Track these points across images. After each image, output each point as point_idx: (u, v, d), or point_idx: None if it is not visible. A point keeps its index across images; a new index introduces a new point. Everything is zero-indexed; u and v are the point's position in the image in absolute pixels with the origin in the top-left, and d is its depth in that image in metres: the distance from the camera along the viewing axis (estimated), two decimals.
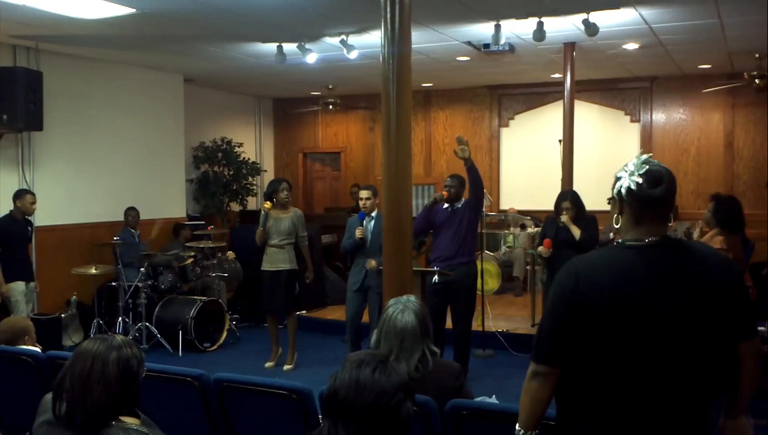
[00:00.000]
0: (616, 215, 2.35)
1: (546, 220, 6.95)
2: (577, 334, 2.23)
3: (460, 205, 6.47)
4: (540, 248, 6.48)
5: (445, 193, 6.44)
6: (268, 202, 7.14)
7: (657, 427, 2.22)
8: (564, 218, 6.35)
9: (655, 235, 2.26)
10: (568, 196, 6.64)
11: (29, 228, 7.64)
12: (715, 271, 2.26)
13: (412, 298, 3.29)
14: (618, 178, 2.32)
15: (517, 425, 2.39)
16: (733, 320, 2.26)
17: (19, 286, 7.34)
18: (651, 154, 2.34)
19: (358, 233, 6.78)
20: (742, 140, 10.80)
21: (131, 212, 9.03)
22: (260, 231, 7.14)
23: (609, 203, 2.43)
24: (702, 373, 2.24)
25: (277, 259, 7.17)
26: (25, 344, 4.65)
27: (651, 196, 2.24)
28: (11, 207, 7.51)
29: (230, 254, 9.68)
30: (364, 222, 6.89)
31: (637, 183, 2.25)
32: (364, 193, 7.01)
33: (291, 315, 7.37)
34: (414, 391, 2.04)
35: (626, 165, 2.32)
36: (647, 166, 2.26)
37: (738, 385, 2.37)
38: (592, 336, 2.21)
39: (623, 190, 2.28)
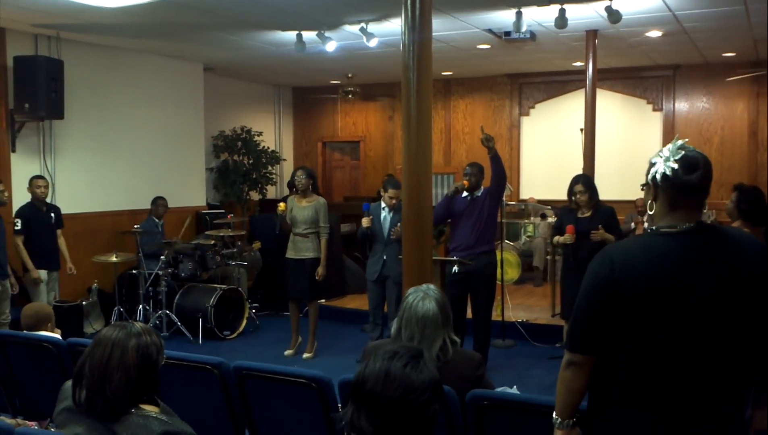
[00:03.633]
0: (650, 201, 2.31)
1: (561, 211, 6.83)
2: (612, 322, 2.20)
3: (479, 194, 6.43)
4: (565, 236, 6.38)
5: (465, 182, 6.39)
6: (282, 204, 7.19)
7: (692, 415, 2.19)
8: (599, 234, 6.20)
9: (689, 221, 2.23)
10: (581, 180, 6.53)
11: (52, 215, 7.67)
12: (751, 256, 2.22)
13: (432, 286, 3.27)
14: (653, 164, 2.29)
15: (554, 414, 2.38)
16: None
17: (41, 275, 7.39)
18: (687, 140, 2.29)
19: (364, 223, 6.80)
20: (766, 130, 10.64)
21: (161, 202, 9.03)
22: (285, 224, 7.18)
23: (642, 190, 2.39)
24: (739, 360, 2.20)
25: (301, 248, 7.17)
26: (46, 330, 4.70)
27: (687, 182, 2.21)
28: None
29: (256, 244, 9.70)
30: (383, 213, 6.88)
31: (673, 169, 2.21)
32: (394, 192, 6.87)
33: (313, 303, 7.37)
34: (443, 390, 2.01)
35: (661, 151, 2.28)
36: (683, 152, 2.23)
37: None
38: (627, 324, 2.18)
39: (658, 176, 2.25)
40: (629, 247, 2.30)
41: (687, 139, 2.30)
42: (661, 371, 2.18)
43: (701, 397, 2.19)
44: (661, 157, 2.26)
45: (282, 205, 7.21)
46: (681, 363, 2.17)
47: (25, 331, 4.70)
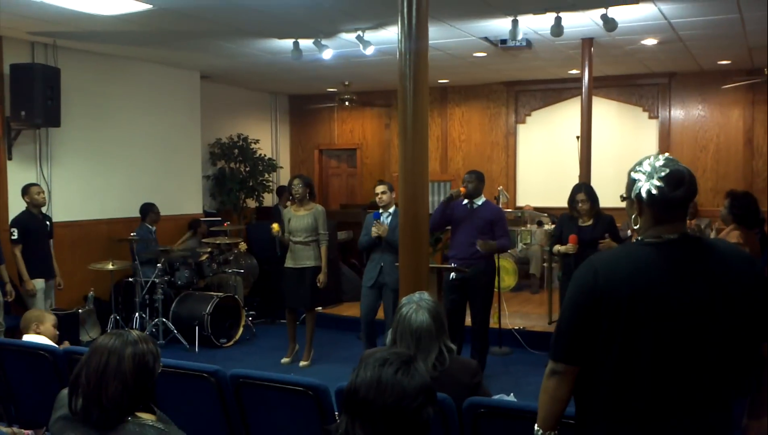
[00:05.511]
0: (634, 216, 2.31)
1: (561, 218, 6.81)
2: (595, 331, 2.20)
3: (480, 204, 6.42)
4: (568, 245, 6.37)
5: (462, 189, 6.39)
6: (276, 225, 7.19)
7: (677, 426, 2.18)
8: (606, 243, 6.17)
9: (674, 232, 2.23)
10: (583, 189, 6.53)
11: (47, 223, 7.67)
12: (736, 268, 2.21)
13: (425, 295, 3.25)
14: (635, 181, 2.26)
15: (536, 425, 2.36)
16: (757, 319, 2.21)
17: (38, 284, 7.38)
18: (668, 154, 2.29)
19: (374, 231, 6.74)
20: (761, 137, 10.68)
21: (155, 209, 9.02)
22: (283, 239, 7.19)
23: (622, 201, 2.38)
24: (723, 371, 2.19)
25: (301, 256, 7.15)
26: (35, 331, 4.70)
27: (673, 198, 2.20)
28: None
29: (242, 245, 9.66)
30: (381, 218, 6.87)
31: (658, 187, 2.20)
32: (379, 188, 6.96)
33: (311, 311, 7.36)
34: (436, 394, 2.01)
35: (641, 165, 2.27)
36: (667, 169, 2.21)
37: (762, 386, 2.32)
38: (610, 333, 2.18)
39: (643, 193, 2.23)
40: (613, 256, 2.31)
41: (667, 154, 2.30)
42: (644, 381, 2.17)
43: (686, 408, 2.18)
44: (643, 173, 2.24)
45: (275, 225, 7.20)
46: (664, 372, 2.16)
47: (22, 339, 4.70)
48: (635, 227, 2.33)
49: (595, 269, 2.23)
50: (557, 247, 6.55)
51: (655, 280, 2.18)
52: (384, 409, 1.87)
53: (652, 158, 2.26)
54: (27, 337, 4.77)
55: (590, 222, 6.40)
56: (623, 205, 2.40)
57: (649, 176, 2.22)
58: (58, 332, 4.96)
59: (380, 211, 6.94)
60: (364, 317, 6.92)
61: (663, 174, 2.21)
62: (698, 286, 2.17)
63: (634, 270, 2.20)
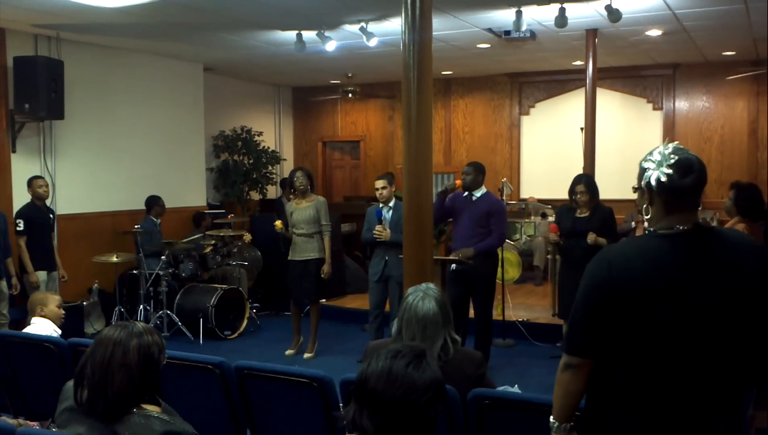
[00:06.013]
0: (645, 205, 2.30)
1: (560, 209, 6.81)
2: (609, 324, 2.20)
3: (480, 195, 6.40)
4: (549, 235, 6.44)
5: (458, 181, 6.38)
6: (279, 222, 7.21)
7: (691, 417, 2.18)
8: (590, 239, 6.18)
9: (686, 223, 2.22)
10: (583, 180, 6.51)
11: (51, 216, 7.69)
12: (749, 258, 2.21)
13: (432, 285, 3.26)
14: (645, 169, 2.27)
15: (551, 418, 2.37)
16: None
17: (41, 276, 7.40)
18: (678, 142, 2.29)
19: (379, 233, 6.74)
20: (766, 128, 10.64)
21: (160, 202, 9.04)
22: (287, 235, 7.21)
23: (634, 192, 2.38)
24: (736, 363, 2.19)
25: (305, 249, 7.15)
26: (40, 314, 4.72)
27: (683, 186, 2.19)
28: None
29: (246, 236, 9.66)
30: (383, 213, 6.87)
31: (668, 174, 2.19)
32: (379, 183, 6.96)
33: (316, 304, 7.37)
34: (446, 391, 2.01)
35: (651, 154, 2.27)
36: (677, 157, 2.21)
37: None
38: (625, 326, 2.17)
39: (653, 182, 2.23)
40: (626, 248, 2.29)
41: (677, 142, 2.30)
42: (659, 373, 2.17)
43: (699, 398, 2.18)
44: (653, 162, 2.24)
45: (279, 223, 7.22)
46: (678, 365, 2.16)
47: (24, 331, 4.71)
48: (647, 217, 2.32)
49: (609, 262, 2.23)
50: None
51: (668, 272, 2.17)
52: (392, 401, 1.87)
53: (661, 147, 2.26)
54: (34, 320, 4.78)
55: (587, 213, 6.40)
56: (626, 196, 2.39)
57: (659, 164, 2.22)
58: (64, 312, 4.96)
59: (381, 205, 6.95)
60: (374, 310, 6.97)
61: (672, 161, 2.20)
62: (712, 278, 2.17)
63: (647, 262, 2.19)
